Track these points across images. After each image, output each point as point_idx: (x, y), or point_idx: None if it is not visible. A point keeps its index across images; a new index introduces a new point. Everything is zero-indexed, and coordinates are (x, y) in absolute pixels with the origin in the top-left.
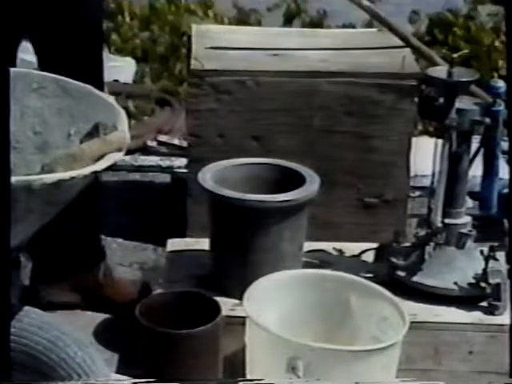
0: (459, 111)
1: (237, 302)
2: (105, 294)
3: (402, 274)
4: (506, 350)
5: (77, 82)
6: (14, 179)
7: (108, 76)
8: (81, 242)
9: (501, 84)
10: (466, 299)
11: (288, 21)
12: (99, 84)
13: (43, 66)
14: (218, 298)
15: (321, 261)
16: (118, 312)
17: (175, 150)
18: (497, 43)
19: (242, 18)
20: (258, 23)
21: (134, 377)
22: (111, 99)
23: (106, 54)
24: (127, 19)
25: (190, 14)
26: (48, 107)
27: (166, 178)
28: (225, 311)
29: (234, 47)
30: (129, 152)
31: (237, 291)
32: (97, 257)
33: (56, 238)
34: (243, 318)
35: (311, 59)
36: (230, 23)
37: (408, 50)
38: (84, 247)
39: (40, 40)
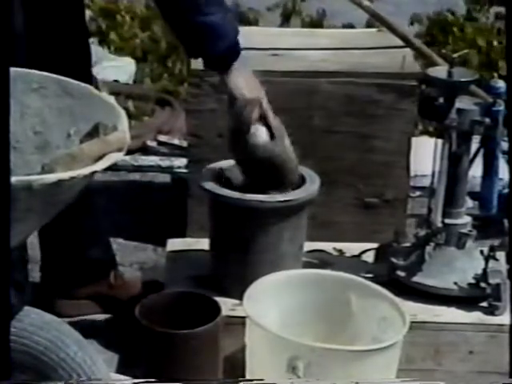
0: (459, 111)
1: (237, 302)
2: (117, 296)
3: (402, 274)
4: (506, 350)
5: (77, 82)
6: (13, 179)
7: (108, 76)
8: (89, 249)
9: (501, 84)
10: (466, 299)
11: (286, 20)
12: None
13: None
14: (217, 298)
15: (321, 261)
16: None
17: (175, 150)
18: (495, 43)
19: (241, 18)
20: (256, 22)
21: (134, 377)
22: (111, 99)
23: (106, 53)
24: (127, 19)
25: None
26: (48, 107)
27: (166, 178)
28: (225, 311)
29: None
30: (129, 152)
31: (237, 291)
32: (107, 263)
33: (63, 249)
34: (243, 318)
35: (311, 59)
36: None
37: (408, 49)
38: (93, 255)
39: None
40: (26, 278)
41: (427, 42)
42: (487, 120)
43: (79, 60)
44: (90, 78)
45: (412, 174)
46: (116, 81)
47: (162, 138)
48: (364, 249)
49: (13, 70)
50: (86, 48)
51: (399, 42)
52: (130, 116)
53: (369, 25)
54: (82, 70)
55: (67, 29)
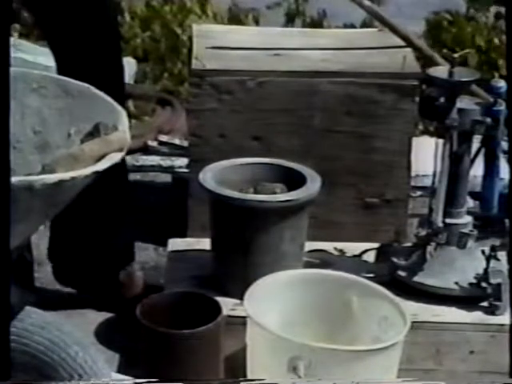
0: (460, 111)
1: (238, 301)
2: (123, 294)
3: (402, 273)
4: (506, 349)
5: (77, 82)
6: (14, 179)
7: None
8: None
9: (502, 84)
10: (466, 299)
11: (290, 20)
12: (120, 89)
13: (63, 72)
14: (218, 298)
15: (321, 261)
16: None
17: (176, 150)
18: (495, 43)
19: (240, 17)
20: (256, 22)
21: (135, 377)
22: (112, 99)
23: None
24: (127, 19)
25: (188, 13)
26: (48, 107)
27: (166, 177)
28: (225, 311)
29: (235, 47)
30: (130, 152)
31: (238, 291)
32: (124, 259)
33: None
34: (244, 318)
35: (312, 59)
36: (229, 22)
37: (409, 49)
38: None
39: (59, 46)
40: (30, 278)
41: (427, 42)
42: (488, 120)
43: (112, 74)
44: (122, 93)
45: (413, 173)
46: None
47: (163, 137)
48: (365, 249)
49: (13, 69)
50: (119, 62)
51: (400, 42)
52: (130, 116)
53: (365, 25)
54: (115, 84)
55: (101, 43)
